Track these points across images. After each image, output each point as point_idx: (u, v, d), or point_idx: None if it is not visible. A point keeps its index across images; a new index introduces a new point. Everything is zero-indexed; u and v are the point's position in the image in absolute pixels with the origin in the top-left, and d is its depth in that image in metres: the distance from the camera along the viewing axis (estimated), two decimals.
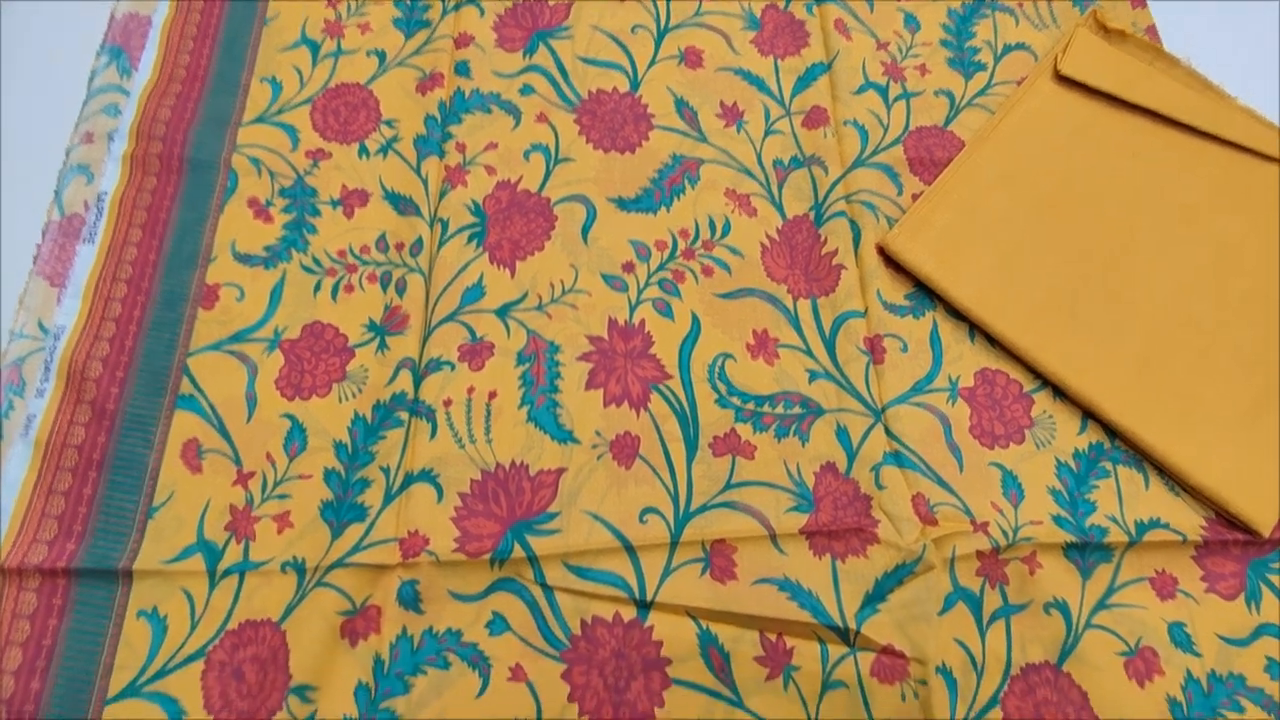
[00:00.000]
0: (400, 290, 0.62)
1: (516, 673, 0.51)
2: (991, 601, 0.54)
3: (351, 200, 0.66)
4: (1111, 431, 0.60)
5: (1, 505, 0.53)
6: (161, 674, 0.50)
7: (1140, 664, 0.53)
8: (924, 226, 0.65)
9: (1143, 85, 0.71)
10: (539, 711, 0.50)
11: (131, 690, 0.49)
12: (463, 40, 0.73)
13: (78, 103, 0.67)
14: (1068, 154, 0.69)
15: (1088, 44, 0.73)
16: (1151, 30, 0.76)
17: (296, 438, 0.57)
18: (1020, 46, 0.76)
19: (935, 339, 0.63)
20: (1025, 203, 0.67)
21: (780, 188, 0.68)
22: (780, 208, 0.68)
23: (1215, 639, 0.54)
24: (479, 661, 0.51)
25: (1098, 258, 0.65)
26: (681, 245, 0.65)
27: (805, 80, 0.73)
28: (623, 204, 0.67)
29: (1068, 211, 0.66)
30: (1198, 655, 0.54)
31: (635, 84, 0.72)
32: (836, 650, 0.52)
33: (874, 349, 0.62)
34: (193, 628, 0.51)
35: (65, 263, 0.60)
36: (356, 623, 0.51)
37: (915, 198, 0.68)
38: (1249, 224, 0.66)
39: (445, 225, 0.65)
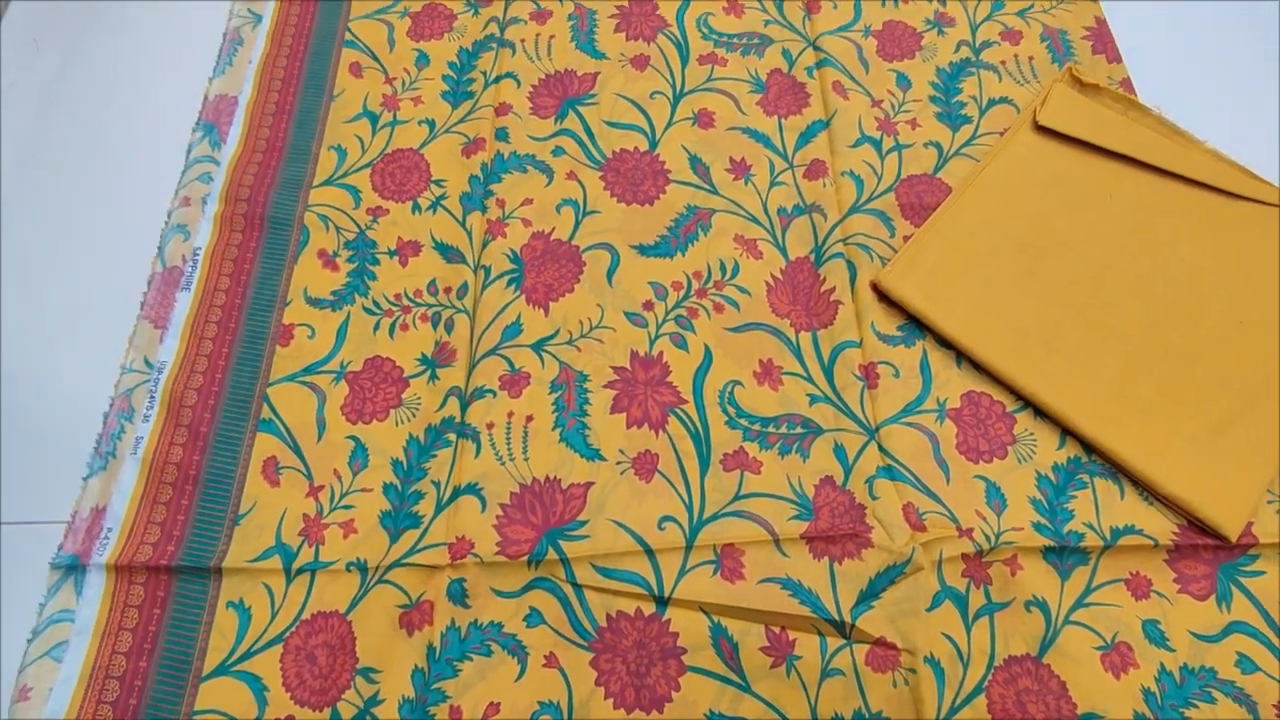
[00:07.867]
0: (449, 328, 0.71)
1: (550, 660, 0.58)
2: (976, 600, 0.60)
3: (406, 250, 0.75)
4: (1088, 447, 0.66)
5: (116, 512, 0.62)
6: (247, 656, 0.58)
7: (1116, 657, 0.58)
8: (914, 266, 0.72)
9: (1116, 133, 0.78)
10: (569, 693, 0.57)
11: (222, 670, 0.57)
12: (502, 109, 0.83)
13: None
14: (1046, 197, 0.76)
15: (1065, 97, 0.81)
16: (1126, 83, 0.83)
17: (359, 456, 0.66)
18: (1003, 100, 0.84)
19: (925, 366, 0.70)
20: (1007, 243, 0.74)
21: (784, 233, 0.76)
22: (784, 251, 0.75)
23: (1188, 635, 0.59)
24: (517, 650, 0.58)
25: (1075, 291, 0.71)
26: (695, 285, 0.73)
27: (806, 136, 0.81)
28: (643, 250, 0.75)
29: (1046, 250, 0.73)
30: (1171, 650, 0.59)
31: (654, 143, 0.81)
32: (834, 642, 0.58)
33: (869, 375, 0.69)
34: (272, 617, 0.59)
35: (166, 308, 0.71)
36: (412, 615, 0.59)
37: (906, 239, 0.75)
38: (1217, 257, 0.72)
39: (488, 271, 0.74)
